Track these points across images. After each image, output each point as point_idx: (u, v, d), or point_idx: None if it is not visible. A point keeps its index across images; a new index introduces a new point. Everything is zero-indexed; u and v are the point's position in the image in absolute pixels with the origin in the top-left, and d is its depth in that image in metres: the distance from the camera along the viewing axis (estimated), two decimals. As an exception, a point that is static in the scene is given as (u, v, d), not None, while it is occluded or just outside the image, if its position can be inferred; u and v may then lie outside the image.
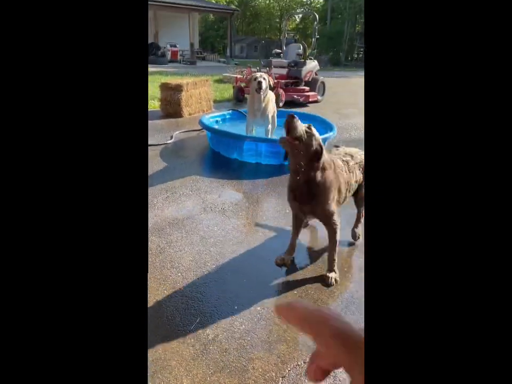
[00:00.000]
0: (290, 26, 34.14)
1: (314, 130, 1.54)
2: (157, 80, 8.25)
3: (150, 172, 3.09)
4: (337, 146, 1.98)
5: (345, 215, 2.05)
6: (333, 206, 1.63)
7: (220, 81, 9.85)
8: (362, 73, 4.28)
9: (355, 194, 1.91)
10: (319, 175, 1.55)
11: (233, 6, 24.72)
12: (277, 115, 3.90)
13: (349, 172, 1.75)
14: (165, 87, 5.35)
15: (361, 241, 2.04)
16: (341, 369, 0.27)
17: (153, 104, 6.00)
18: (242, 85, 6.94)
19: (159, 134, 4.31)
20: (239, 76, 7.42)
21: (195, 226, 2.21)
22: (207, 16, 24.84)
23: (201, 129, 4.33)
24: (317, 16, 7.69)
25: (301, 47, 7.48)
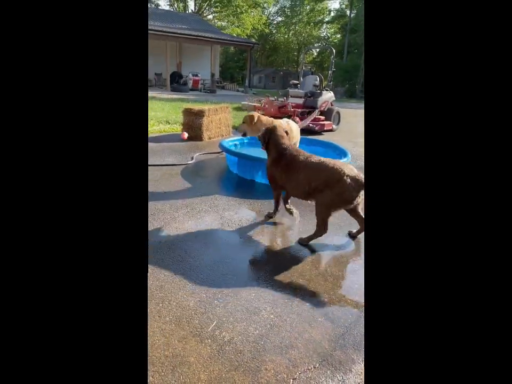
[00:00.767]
0: (308, 59, 35.46)
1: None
2: (179, 106, 8.69)
3: (172, 189, 3.27)
4: None
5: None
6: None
7: (238, 108, 10.27)
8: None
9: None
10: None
11: (253, 40, 26.00)
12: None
13: None
14: (187, 112, 5.67)
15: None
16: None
17: (176, 128, 6.32)
18: (260, 113, 7.25)
19: (181, 155, 4.54)
20: (257, 104, 7.75)
21: (213, 239, 2.34)
22: (228, 48, 26.18)
23: (220, 152, 4.55)
24: (334, 50, 8.08)
25: (318, 79, 7.82)
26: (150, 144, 3.66)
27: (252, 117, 3.61)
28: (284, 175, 2.40)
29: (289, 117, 6.82)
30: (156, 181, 3.48)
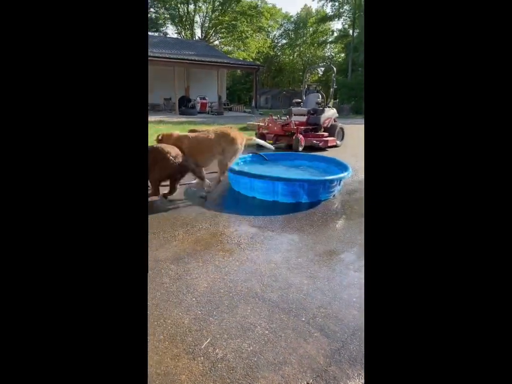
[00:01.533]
0: (313, 78, 36.05)
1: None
2: (186, 128, 8.88)
3: (174, 207, 3.32)
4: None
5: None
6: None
7: (244, 129, 10.44)
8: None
9: None
10: None
11: (258, 62, 26.72)
12: (297, 159, 4.12)
13: None
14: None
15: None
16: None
17: (181, 149, 6.45)
18: (264, 131, 7.36)
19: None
20: (261, 124, 7.88)
21: (211, 256, 2.34)
22: (235, 71, 26.95)
23: (223, 170, 4.60)
24: (335, 68, 8.23)
25: (320, 96, 7.94)
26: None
27: (167, 135, 3.82)
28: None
29: (292, 134, 6.90)
30: (159, 200, 3.53)
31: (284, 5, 74.24)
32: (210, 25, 30.54)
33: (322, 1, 39.21)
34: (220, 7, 29.66)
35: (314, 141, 6.94)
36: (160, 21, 30.29)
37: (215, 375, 1.33)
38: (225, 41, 31.62)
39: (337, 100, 8.10)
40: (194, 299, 1.83)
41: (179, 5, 29.27)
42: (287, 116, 7.82)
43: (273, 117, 7.77)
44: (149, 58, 15.26)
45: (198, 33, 31.68)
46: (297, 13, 37.91)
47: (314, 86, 9.60)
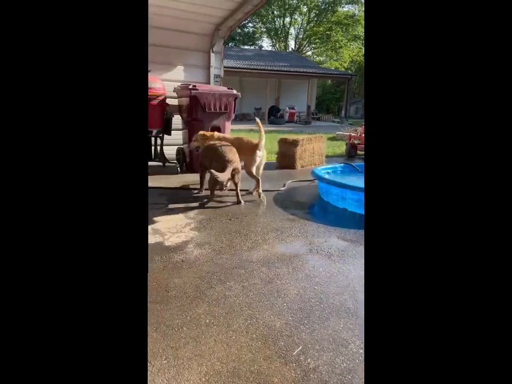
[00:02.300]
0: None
1: None
2: (274, 137, 9.12)
3: (263, 212, 3.41)
4: None
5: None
6: None
7: (333, 138, 10.26)
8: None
9: None
10: None
11: (350, 72, 26.01)
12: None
13: None
14: (283, 141, 5.92)
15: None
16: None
17: (271, 157, 6.63)
18: (356, 141, 7.09)
19: (273, 182, 4.72)
20: (353, 134, 7.62)
21: (301, 264, 2.33)
22: (326, 81, 26.68)
23: (312, 180, 4.58)
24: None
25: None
26: (244, 172, 3.97)
27: (205, 135, 4.09)
28: None
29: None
30: (249, 204, 3.67)
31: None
32: (304, 36, 30.93)
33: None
34: (316, 18, 29.85)
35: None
36: (256, 35, 31.90)
37: (307, 385, 1.31)
38: (318, 51, 31.63)
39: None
40: (285, 304, 1.84)
41: (275, 19, 30.42)
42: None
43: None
44: (243, 70, 16.17)
45: (291, 44, 32.45)
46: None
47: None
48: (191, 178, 4.68)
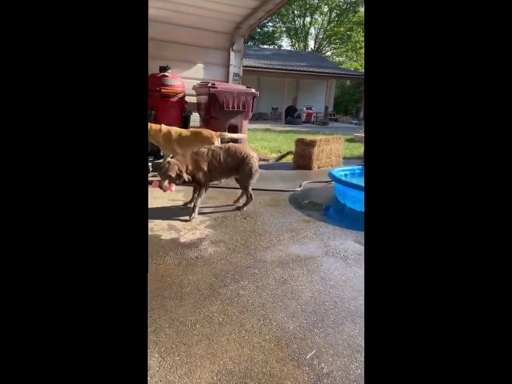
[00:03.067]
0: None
1: None
2: (291, 137, 9.08)
3: (278, 212, 3.39)
4: None
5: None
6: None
7: (350, 140, 10.11)
8: None
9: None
10: None
11: (371, 73, 25.53)
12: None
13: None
14: (300, 142, 5.87)
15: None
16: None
17: (287, 158, 6.59)
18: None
19: (290, 182, 4.69)
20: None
21: (316, 266, 2.29)
22: (345, 82, 26.34)
23: (328, 181, 4.52)
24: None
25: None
26: (261, 171, 3.93)
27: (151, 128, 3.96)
28: None
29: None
30: (265, 204, 3.66)
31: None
32: (324, 37, 30.63)
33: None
34: (336, 18, 29.51)
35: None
36: (276, 34, 31.78)
37: (321, 390, 1.28)
38: (338, 51, 31.27)
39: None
40: (299, 306, 1.81)
41: (296, 18, 30.24)
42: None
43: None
44: (262, 70, 16.13)
45: (311, 44, 32.19)
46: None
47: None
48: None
